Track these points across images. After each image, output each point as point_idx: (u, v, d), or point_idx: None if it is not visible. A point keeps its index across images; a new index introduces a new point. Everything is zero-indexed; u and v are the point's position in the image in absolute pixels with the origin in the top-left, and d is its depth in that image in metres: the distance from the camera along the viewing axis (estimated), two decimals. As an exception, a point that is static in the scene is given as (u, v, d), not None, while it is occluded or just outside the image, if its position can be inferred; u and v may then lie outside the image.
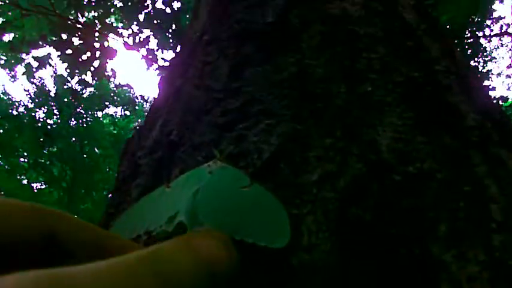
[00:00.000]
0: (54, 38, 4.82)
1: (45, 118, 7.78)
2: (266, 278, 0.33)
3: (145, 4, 5.01)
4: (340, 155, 0.43)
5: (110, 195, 0.60)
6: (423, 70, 0.56)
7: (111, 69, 4.87)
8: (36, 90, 8.00)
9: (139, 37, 4.81)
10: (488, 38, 5.77)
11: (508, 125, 0.55)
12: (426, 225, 0.37)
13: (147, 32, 4.97)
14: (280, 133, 0.45)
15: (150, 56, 4.89)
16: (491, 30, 5.55)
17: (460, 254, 0.35)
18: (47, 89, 7.85)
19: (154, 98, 0.71)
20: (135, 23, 5.02)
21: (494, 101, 0.63)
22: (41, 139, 6.79)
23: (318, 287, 0.32)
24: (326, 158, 0.42)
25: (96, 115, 8.83)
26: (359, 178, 0.40)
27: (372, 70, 0.54)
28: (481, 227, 0.37)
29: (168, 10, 4.96)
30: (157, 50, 5.01)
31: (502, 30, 5.73)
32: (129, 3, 5.00)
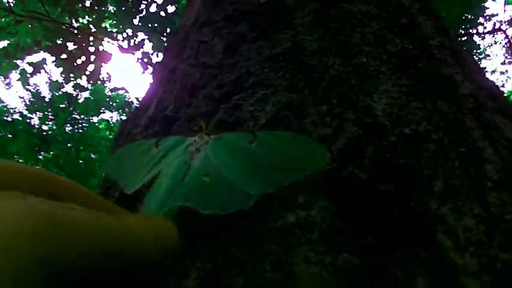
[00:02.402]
0: (48, 44, 4.82)
1: (40, 124, 7.75)
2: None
3: (140, 8, 5.02)
4: (336, 120, 0.43)
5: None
6: (417, 44, 0.57)
7: (107, 72, 4.85)
8: (31, 96, 7.97)
9: (134, 40, 4.80)
10: (481, 36, 5.82)
11: (501, 96, 0.55)
12: (422, 182, 0.37)
13: (141, 35, 4.97)
14: (276, 102, 0.45)
15: (145, 59, 4.89)
16: (485, 28, 5.58)
17: (456, 207, 0.35)
18: (42, 95, 7.83)
19: (149, 83, 0.71)
20: (129, 27, 5.02)
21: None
22: (37, 145, 6.76)
23: (316, 240, 0.32)
24: (322, 123, 0.42)
25: (91, 120, 8.81)
26: (355, 140, 0.40)
27: (366, 43, 0.54)
28: (476, 184, 0.37)
29: (162, 13, 4.97)
30: (152, 53, 5.00)
31: (495, 28, 5.78)
32: (123, 8, 5.00)
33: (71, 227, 0.18)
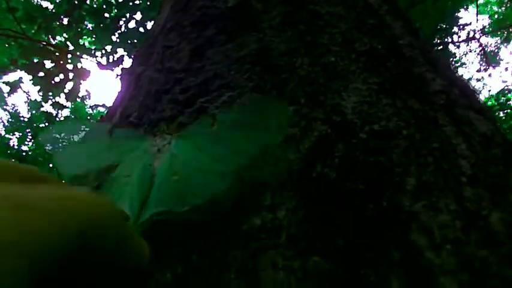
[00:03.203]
0: (25, 62, 4.74)
1: (19, 145, 7.58)
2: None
3: (118, 25, 4.99)
4: (304, 119, 0.41)
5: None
6: (386, 43, 0.56)
7: (86, 90, 4.79)
8: (9, 117, 7.81)
9: (113, 56, 4.76)
10: (456, 45, 5.97)
11: (473, 94, 0.54)
12: (394, 179, 0.35)
13: (121, 51, 4.93)
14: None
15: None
16: (459, 37, 5.73)
17: (430, 204, 0.33)
18: (20, 114, 7.68)
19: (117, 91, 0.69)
20: (108, 43, 4.98)
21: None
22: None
23: (283, 245, 0.30)
24: (289, 123, 0.41)
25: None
26: (324, 139, 0.38)
27: (334, 43, 0.53)
28: (450, 180, 0.36)
29: (141, 29, 4.95)
30: (132, 70, 4.96)
31: (469, 36, 5.93)
32: (101, 25, 4.96)
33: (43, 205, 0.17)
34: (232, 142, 0.33)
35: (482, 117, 0.48)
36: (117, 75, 4.78)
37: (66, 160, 0.39)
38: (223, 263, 0.30)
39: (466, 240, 0.32)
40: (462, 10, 5.66)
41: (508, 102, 7.23)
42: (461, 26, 5.65)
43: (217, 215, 0.32)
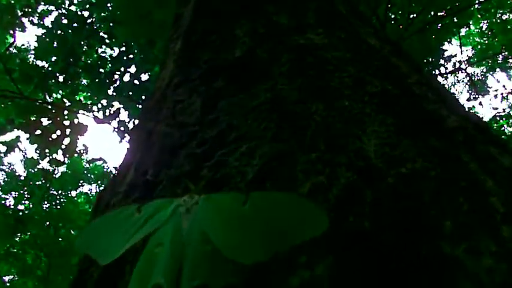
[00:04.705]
0: (22, 121, 4.77)
1: (15, 204, 7.47)
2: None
3: (114, 79, 5.08)
4: (328, 166, 0.40)
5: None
6: (396, 83, 0.56)
7: (83, 144, 4.80)
8: (5, 176, 7.75)
9: (110, 110, 4.81)
10: (444, 76, 6.11)
11: (487, 127, 0.55)
12: (430, 224, 0.34)
13: (117, 104, 4.99)
14: (262, 154, 0.43)
15: (122, 128, 4.87)
16: (446, 68, 5.89)
17: (471, 247, 0.32)
18: (17, 173, 7.63)
19: (127, 149, 0.68)
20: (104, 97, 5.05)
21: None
22: (13, 226, 6.46)
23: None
24: (314, 171, 0.40)
25: (70, 194, 8.56)
26: (350, 186, 0.38)
27: (346, 86, 0.54)
28: (486, 219, 0.35)
29: (136, 82, 5.04)
30: (128, 121, 5.01)
31: (456, 67, 6.10)
32: (97, 80, 5.05)
33: None
34: (260, 232, 0.31)
35: (502, 151, 0.47)
36: (114, 128, 4.81)
37: (87, 239, 0.37)
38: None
39: (515, 282, 0.30)
40: (446, 43, 5.84)
41: (502, 128, 7.32)
42: (447, 58, 5.81)
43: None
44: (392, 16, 4.97)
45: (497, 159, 0.44)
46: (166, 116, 0.60)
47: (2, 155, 5.34)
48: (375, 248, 0.33)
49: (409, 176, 0.38)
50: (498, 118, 7.68)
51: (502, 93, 7.72)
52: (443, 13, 4.98)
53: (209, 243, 0.31)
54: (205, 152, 0.46)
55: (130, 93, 5.09)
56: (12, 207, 7.40)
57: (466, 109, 0.66)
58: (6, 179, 7.87)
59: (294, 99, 0.52)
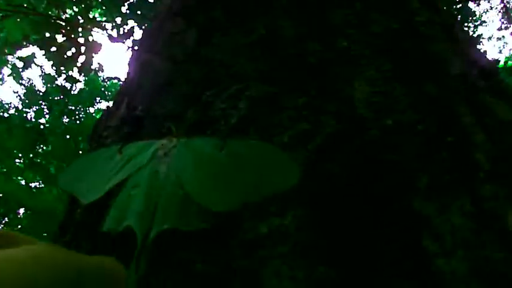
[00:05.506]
0: (37, 37, 4.73)
1: (36, 118, 7.69)
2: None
3: (127, -5, 4.89)
4: (315, 114, 0.39)
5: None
6: (403, 22, 0.53)
7: (98, 63, 4.78)
8: (25, 91, 7.90)
9: (124, 28, 4.71)
10: (476, 2, 5.70)
11: (496, 74, 0.52)
12: (405, 179, 0.34)
13: (131, 22, 4.87)
14: (249, 96, 0.42)
15: (136, 47, 4.80)
16: (480, -5, 5.47)
17: (442, 206, 0.32)
18: (36, 88, 7.75)
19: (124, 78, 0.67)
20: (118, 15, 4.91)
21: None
22: (34, 139, 6.73)
23: (291, 251, 0.30)
24: (300, 117, 0.39)
25: (88, 111, 8.74)
26: (333, 136, 0.37)
27: (349, 25, 0.50)
28: (467, 177, 0.34)
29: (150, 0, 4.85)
30: (143, 41, 4.91)
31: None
32: (111, -4, 4.88)
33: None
34: (233, 181, 0.31)
35: (502, 102, 0.45)
36: (128, 47, 4.74)
37: (71, 177, 0.38)
38: (229, 272, 0.30)
39: (480, 243, 0.30)
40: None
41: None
42: (482, -16, 5.38)
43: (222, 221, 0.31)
44: None
45: (492, 109, 0.42)
46: (162, 47, 0.59)
47: (20, 70, 5.39)
48: (347, 201, 0.33)
49: (394, 129, 0.37)
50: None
51: (537, 24, 7.25)
52: None
53: (182, 187, 0.31)
54: (193, 92, 0.45)
55: (145, 11, 4.93)
56: (33, 120, 7.64)
57: (479, 51, 0.62)
58: (26, 93, 8.02)
59: (291, 37, 0.49)
